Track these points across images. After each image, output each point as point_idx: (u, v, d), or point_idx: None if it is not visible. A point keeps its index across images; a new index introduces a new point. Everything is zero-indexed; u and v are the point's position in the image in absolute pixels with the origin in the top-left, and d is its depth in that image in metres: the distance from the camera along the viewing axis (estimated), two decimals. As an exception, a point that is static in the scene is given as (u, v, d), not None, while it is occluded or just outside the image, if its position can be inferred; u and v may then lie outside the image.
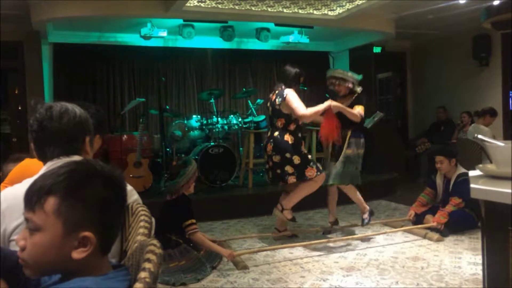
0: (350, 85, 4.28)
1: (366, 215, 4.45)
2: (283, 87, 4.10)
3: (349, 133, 4.25)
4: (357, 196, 4.46)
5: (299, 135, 4.15)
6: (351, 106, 4.23)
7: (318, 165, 4.17)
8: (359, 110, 4.20)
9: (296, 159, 4.01)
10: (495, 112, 6.33)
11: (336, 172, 4.25)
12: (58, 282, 1.07)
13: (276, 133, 4.09)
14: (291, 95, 3.98)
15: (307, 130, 6.20)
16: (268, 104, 4.23)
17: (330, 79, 4.38)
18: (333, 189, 4.50)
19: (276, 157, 4.07)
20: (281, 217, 4.23)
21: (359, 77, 4.33)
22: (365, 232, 4.56)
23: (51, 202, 1.00)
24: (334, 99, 4.33)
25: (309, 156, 4.19)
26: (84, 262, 1.01)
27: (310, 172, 4.04)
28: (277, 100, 4.07)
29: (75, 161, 1.09)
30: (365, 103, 4.33)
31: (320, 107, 4.08)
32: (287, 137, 4.04)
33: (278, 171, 4.10)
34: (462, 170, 4.51)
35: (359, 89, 4.31)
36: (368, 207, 4.49)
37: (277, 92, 4.13)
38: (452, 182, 4.51)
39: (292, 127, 4.07)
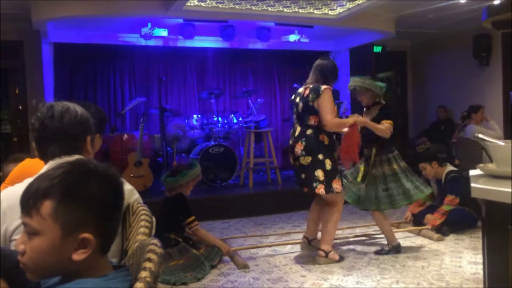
0: (374, 95, 3.81)
1: (387, 248, 3.88)
2: (318, 81, 3.63)
3: (373, 151, 3.78)
4: (386, 226, 3.91)
5: (334, 137, 3.68)
6: (378, 119, 3.76)
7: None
8: (387, 125, 3.71)
9: (328, 164, 3.53)
10: (475, 108, 6.34)
11: (364, 196, 3.86)
12: (58, 283, 1.07)
13: (309, 131, 3.58)
14: (327, 94, 3.53)
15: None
16: (298, 99, 3.70)
17: (352, 88, 3.92)
18: (375, 214, 3.91)
19: (305, 158, 3.55)
20: (329, 262, 3.64)
21: (382, 85, 3.83)
22: (365, 232, 4.56)
23: (47, 206, 0.99)
24: (360, 109, 4.05)
25: (339, 166, 3.68)
26: (84, 262, 1.01)
27: (337, 184, 3.57)
28: (310, 95, 3.57)
29: (70, 161, 1.08)
30: (395, 116, 3.89)
31: (347, 121, 3.65)
32: (322, 137, 3.57)
33: (303, 175, 3.62)
34: (450, 168, 4.54)
35: (383, 100, 3.84)
36: (397, 242, 3.90)
37: (311, 87, 3.62)
38: (443, 181, 4.52)
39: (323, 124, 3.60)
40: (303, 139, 3.59)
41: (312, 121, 3.59)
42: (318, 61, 3.74)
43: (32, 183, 1.03)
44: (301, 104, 3.66)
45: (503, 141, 1.82)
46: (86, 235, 1.00)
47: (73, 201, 1.00)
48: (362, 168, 3.87)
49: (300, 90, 3.77)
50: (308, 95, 3.60)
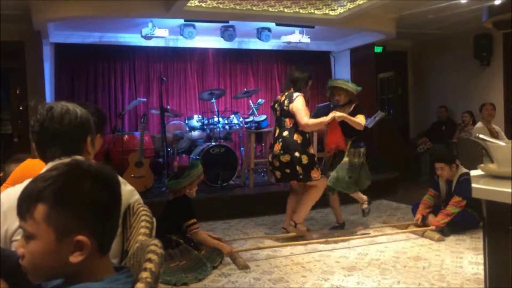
0: (349, 95, 4.45)
1: (337, 224, 4.75)
2: (292, 90, 4.21)
3: (349, 143, 4.40)
4: (338, 206, 4.73)
5: (307, 135, 4.25)
6: (352, 115, 4.34)
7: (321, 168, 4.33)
8: (362, 119, 4.32)
9: (304, 159, 4.11)
10: (480, 107, 6.25)
11: (332, 177, 4.42)
12: (61, 285, 1.06)
13: (286, 133, 4.17)
14: (298, 101, 4.09)
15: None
16: (276, 105, 4.32)
17: (330, 89, 4.54)
18: (334, 196, 4.66)
19: (284, 156, 4.13)
20: (298, 232, 4.29)
21: (358, 88, 4.49)
22: (366, 232, 4.56)
23: (40, 210, 0.99)
24: (335, 107, 4.50)
25: (315, 158, 4.27)
26: (83, 264, 1.01)
27: (316, 174, 4.17)
28: (285, 102, 4.17)
29: (64, 163, 1.07)
30: (365, 113, 4.48)
31: (325, 119, 4.17)
32: (296, 137, 4.14)
33: (288, 170, 4.16)
34: (463, 170, 4.47)
35: (355, 92, 4.47)
36: (343, 220, 4.77)
37: (286, 94, 4.23)
38: (454, 183, 4.48)
39: (301, 127, 4.16)
40: (280, 139, 4.20)
41: (288, 123, 4.19)
42: (290, 71, 4.38)
43: (26, 187, 1.03)
44: (279, 109, 4.28)
45: (504, 141, 1.82)
46: (80, 237, 0.99)
47: (66, 204, 0.99)
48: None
49: (278, 97, 4.38)
50: (284, 101, 4.20)
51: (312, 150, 4.27)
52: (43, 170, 1.42)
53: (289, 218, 4.44)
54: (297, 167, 4.11)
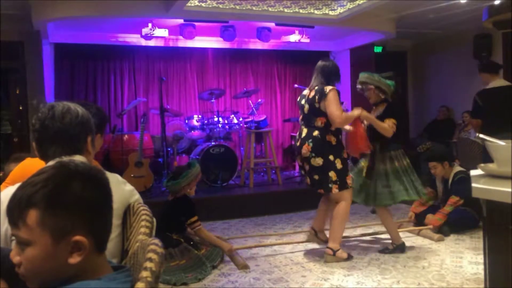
0: (381, 93, 3.83)
1: (391, 247, 3.88)
2: (322, 83, 3.67)
3: (378, 147, 3.80)
4: (391, 224, 3.94)
5: (340, 137, 3.74)
6: (382, 117, 3.75)
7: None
8: (390, 123, 3.70)
9: (339, 163, 3.59)
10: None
11: (366, 191, 3.87)
12: (59, 283, 1.06)
13: (316, 133, 3.62)
14: (333, 94, 3.57)
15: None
16: (303, 101, 3.75)
17: (359, 84, 3.92)
18: (380, 212, 3.96)
19: (316, 159, 3.59)
20: (337, 260, 3.66)
21: (390, 83, 3.88)
22: (366, 232, 4.56)
23: (32, 215, 0.97)
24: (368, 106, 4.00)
25: (348, 164, 3.75)
26: (82, 264, 1.00)
27: (349, 179, 3.67)
28: (316, 97, 3.61)
29: (50, 166, 1.06)
30: (401, 115, 3.82)
31: (352, 113, 3.70)
32: (329, 138, 3.62)
33: (316, 177, 3.65)
34: (458, 168, 4.54)
35: (390, 98, 3.84)
36: (401, 241, 3.91)
37: (316, 88, 3.67)
38: (450, 181, 4.52)
39: (333, 127, 3.63)
40: (310, 140, 3.63)
41: (319, 122, 3.64)
42: (319, 63, 3.79)
43: (16, 193, 1.01)
44: (307, 106, 3.71)
45: (504, 141, 1.82)
46: (78, 237, 0.99)
47: (58, 206, 0.98)
48: (364, 163, 3.89)
49: (305, 92, 3.81)
50: (314, 97, 3.65)
51: (346, 154, 3.71)
52: None
53: (318, 219, 4.08)
54: (330, 173, 3.58)
